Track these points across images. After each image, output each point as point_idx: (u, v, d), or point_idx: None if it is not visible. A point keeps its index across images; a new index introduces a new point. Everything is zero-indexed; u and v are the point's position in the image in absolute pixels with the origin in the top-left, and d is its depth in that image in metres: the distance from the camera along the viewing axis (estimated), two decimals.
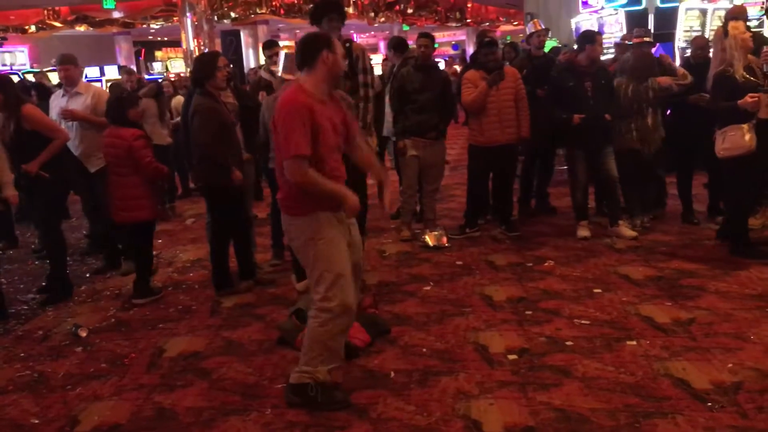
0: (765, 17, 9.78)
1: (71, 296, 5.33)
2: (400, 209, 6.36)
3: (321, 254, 3.21)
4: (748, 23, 5.86)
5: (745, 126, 4.96)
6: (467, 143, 6.34)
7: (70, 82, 5.81)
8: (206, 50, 18.40)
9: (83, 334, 4.50)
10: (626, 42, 7.08)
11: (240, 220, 5.19)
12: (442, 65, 16.11)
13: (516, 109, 6.01)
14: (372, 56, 6.65)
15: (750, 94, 4.86)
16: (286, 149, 3.10)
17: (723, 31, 5.18)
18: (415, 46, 6.43)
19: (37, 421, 3.42)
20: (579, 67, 5.93)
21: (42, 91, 8.14)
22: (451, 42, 35.82)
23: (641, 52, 6.12)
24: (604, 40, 8.20)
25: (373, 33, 31.22)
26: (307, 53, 3.23)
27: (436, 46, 7.46)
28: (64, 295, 5.30)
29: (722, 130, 5.11)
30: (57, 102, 5.90)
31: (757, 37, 5.57)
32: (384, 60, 9.20)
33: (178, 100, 8.64)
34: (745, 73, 5.02)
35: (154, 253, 6.37)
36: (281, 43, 7.22)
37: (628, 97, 5.91)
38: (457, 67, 18.49)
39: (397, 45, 6.95)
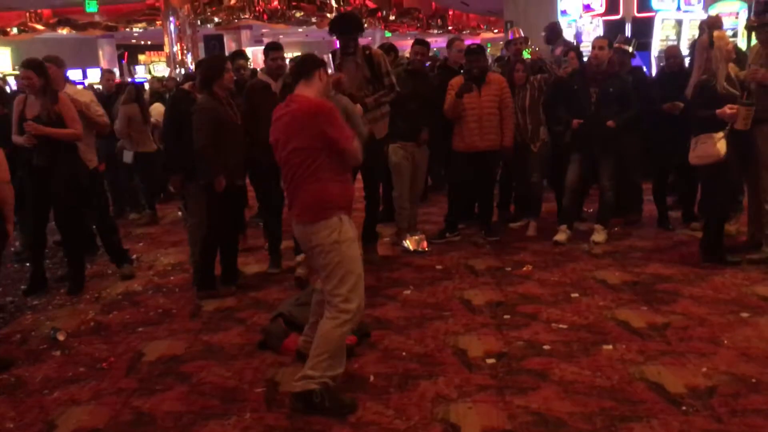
0: (745, 30, 9.89)
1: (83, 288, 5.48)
2: (396, 216, 6.32)
3: (345, 256, 3.33)
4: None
5: (718, 134, 5.01)
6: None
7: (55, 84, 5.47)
8: (189, 54, 18.37)
9: (62, 337, 4.47)
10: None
11: (234, 223, 5.20)
12: None
13: (500, 116, 6.02)
14: None
15: (729, 105, 4.89)
16: (344, 139, 3.34)
17: (708, 41, 5.17)
18: (410, 52, 6.50)
19: (13, 426, 3.40)
20: (589, 72, 5.94)
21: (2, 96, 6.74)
22: (433, 50, 35.95)
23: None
24: (582, 49, 8.32)
25: None
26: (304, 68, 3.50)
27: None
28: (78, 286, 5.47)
29: (696, 137, 5.16)
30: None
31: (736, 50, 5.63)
32: None
33: (157, 109, 7.98)
34: (726, 85, 5.04)
35: (134, 256, 6.35)
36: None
37: None
38: None
39: (388, 50, 6.94)
